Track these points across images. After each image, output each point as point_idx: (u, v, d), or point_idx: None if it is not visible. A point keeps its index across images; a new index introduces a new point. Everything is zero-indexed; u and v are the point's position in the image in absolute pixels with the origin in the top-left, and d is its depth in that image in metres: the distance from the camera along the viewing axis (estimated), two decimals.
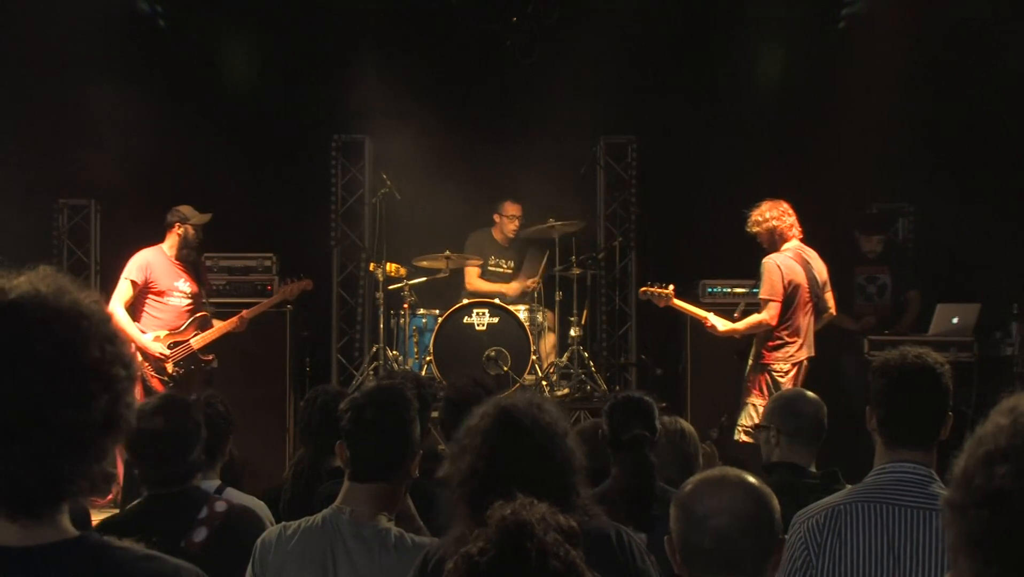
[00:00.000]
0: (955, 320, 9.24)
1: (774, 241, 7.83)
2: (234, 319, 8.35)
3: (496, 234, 10.34)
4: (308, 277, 8.99)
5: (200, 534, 3.71)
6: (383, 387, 3.54)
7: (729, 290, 9.96)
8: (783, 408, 4.80)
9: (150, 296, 8.17)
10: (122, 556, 1.85)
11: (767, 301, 7.69)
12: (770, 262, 7.76)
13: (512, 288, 10.14)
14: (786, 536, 3.10)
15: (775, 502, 2.52)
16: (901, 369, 3.49)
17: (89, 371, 1.77)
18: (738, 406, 8.00)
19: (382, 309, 9.85)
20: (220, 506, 3.82)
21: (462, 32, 10.65)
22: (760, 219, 7.81)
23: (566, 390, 9.57)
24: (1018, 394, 1.61)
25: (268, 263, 9.91)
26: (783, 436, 4.65)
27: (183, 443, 3.94)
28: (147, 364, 8.08)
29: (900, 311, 9.48)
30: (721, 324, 7.85)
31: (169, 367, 8.09)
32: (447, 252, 9.74)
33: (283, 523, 3.46)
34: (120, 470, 8.70)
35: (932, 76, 10.14)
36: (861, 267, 9.44)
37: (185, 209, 8.18)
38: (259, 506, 4.47)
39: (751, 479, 2.53)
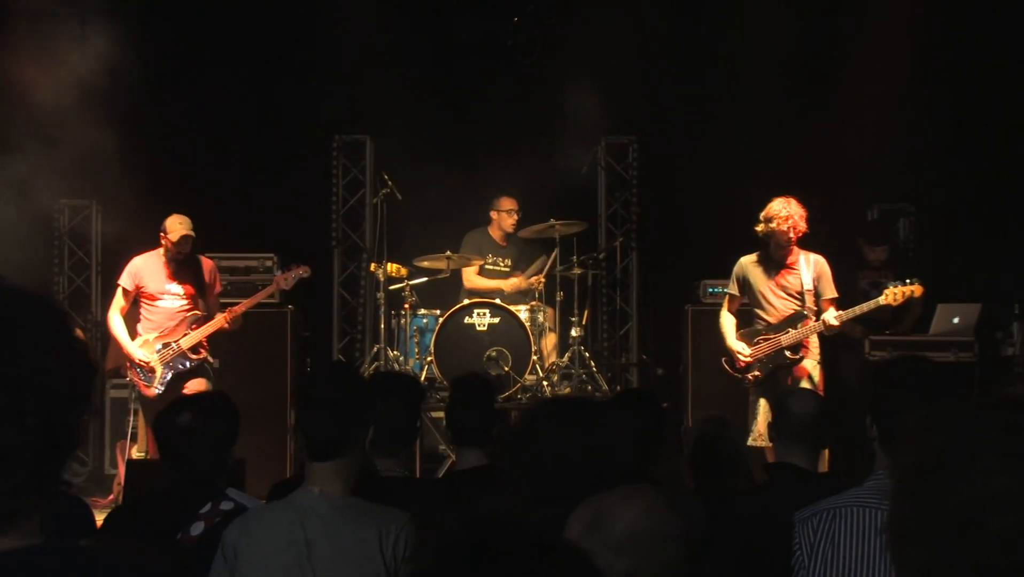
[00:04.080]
0: (956, 320, 9.16)
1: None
2: (221, 317, 8.29)
3: (493, 232, 10.30)
4: (305, 264, 8.87)
5: (197, 529, 3.68)
6: (326, 365, 3.65)
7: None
8: (775, 406, 4.84)
9: (143, 300, 8.30)
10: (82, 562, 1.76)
11: (836, 298, 7.89)
12: (826, 263, 7.92)
13: (510, 284, 10.10)
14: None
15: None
16: (899, 370, 3.44)
17: (18, 386, 1.66)
18: (738, 405, 8.04)
19: (383, 309, 9.79)
20: (226, 505, 3.78)
21: (463, 32, 10.63)
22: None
23: (567, 390, 9.51)
24: (942, 406, 1.56)
25: (269, 263, 9.86)
26: (776, 435, 4.66)
27: (208, 441, 3.98)
28: (134, 370, 8.25)
29: (901, 313, 9.20)
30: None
31: (157, 371, 8.19)
32: (448, 252, 9.70)
33: (250, 509, 3.48)
34: (121, 470, 8.75)
35: (932, 75, 10.12)
36: (865, 273, 9.32)
37: (168, 221, 8.19)
38: None
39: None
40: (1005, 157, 10.12)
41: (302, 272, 8.74)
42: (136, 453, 8.53)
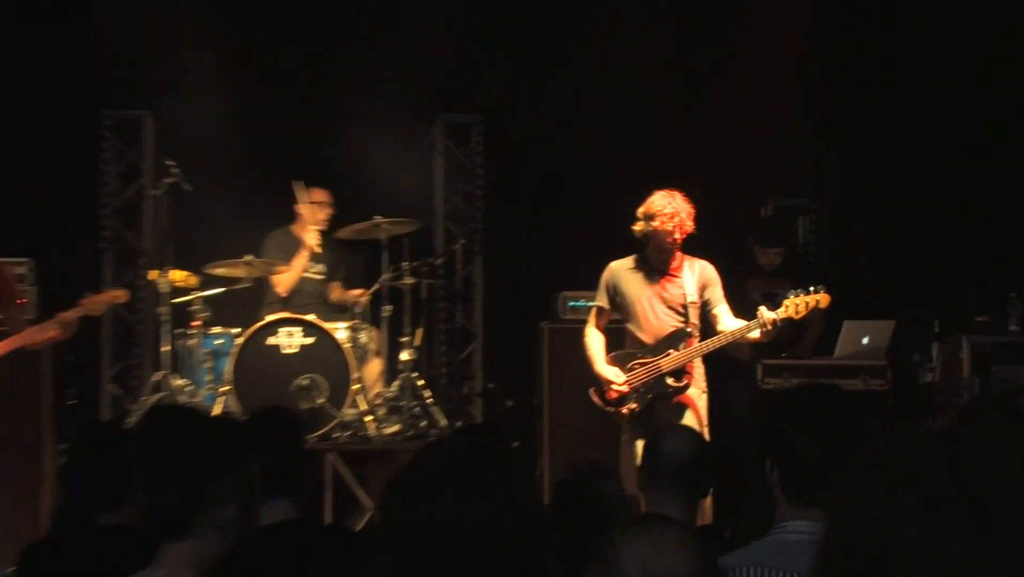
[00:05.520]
0: (865, 340, 8.83)
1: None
2: (25, 333, 7.51)
3: (299, 232, 9.67)
4: (96, 290, 8.28)
5: None
6: (169, 419, 3.39)
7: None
8: (646, 445, 4.61)
9: None
10: None
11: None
12: (714, 269, 7.51)
13: (308, 249, 9.36)
14: None
15: None
16: (801, 402, 3.47)
17: None
18: (607, 446, 7.51)
19: (167, 327, 9.12)
20: None
21: None
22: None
23: (397, 426, 8.98)
24: (882, 439, 1.57)
25: (23, 270, 8.95)
26: (648, 480, 4.47)
27: None
28: None
29: (798, 331, 8.86)
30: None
31: None
32: (248, 257, 9.03)
33: None
34: None
35: (834, 52, 10.00)
36: (756, 280, 8.91)
37: None
38: None
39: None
40: (919, 147, 9.99)
41: (116, 296, 8.31)
42: None
